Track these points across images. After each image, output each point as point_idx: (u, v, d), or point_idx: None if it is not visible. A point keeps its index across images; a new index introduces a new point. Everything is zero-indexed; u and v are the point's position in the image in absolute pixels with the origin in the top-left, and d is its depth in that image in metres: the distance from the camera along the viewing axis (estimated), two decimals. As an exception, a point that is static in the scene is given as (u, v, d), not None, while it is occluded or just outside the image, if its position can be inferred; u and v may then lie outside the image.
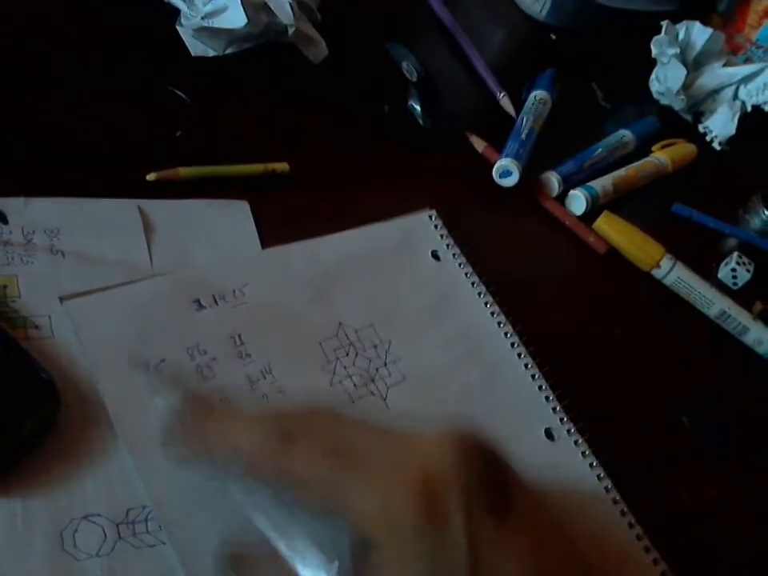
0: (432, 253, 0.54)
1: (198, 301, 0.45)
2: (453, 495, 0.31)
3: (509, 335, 0.51)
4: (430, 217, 0.56)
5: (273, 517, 0.34)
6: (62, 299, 0.42)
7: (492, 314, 0.52)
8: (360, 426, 0.35)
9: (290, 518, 0.34)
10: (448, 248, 0.55)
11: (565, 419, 0.49)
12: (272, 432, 0.33)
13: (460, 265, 0.54)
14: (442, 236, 0.55)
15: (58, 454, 0.38)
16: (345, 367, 0.46)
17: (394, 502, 0.31)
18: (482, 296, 0.53)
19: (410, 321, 0.50)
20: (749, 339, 0.61)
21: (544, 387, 0.50)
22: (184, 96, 0.57)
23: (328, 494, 0.32)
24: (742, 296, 0.63)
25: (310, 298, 0.48)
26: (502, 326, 0.52)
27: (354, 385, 0.46)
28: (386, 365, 0.47)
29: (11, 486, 0.36)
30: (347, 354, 0.47)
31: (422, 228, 0.56)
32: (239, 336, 0.45)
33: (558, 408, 0.49)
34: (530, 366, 0.50)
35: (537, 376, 0.50)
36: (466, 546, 0.30)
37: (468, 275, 0.54)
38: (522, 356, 0.51)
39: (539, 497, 0.35)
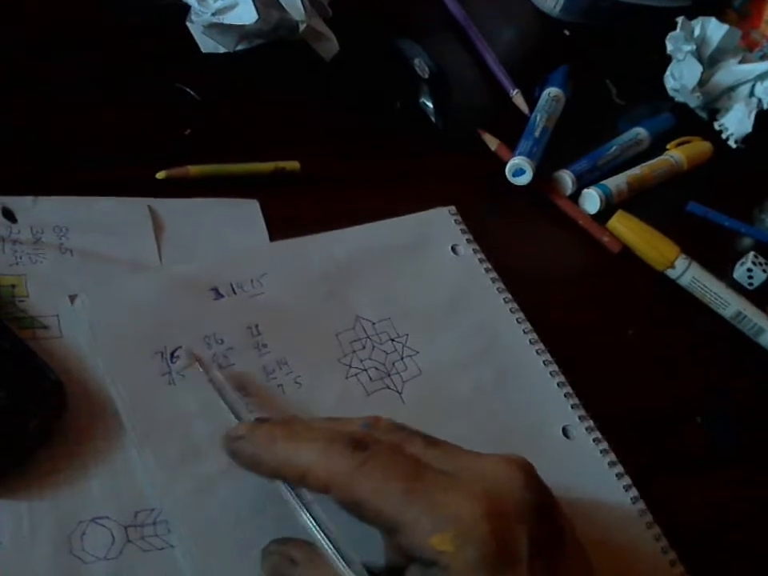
0: (452, 247, 0.54)
1: (216, 289, 0.45)
2: (520, 534, 0.32)
3: (527, 331, 0.51)
4: (450, 211, 0.56)
5: (323, 520, 0.34)
6: (71, 298, 0.42)
7: (511, 310, 0.52)
8: (425, 439, 0.35)
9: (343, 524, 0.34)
10: (468, 243, 0.54)
11: (584, 417, 0.48)
12: (342, 445, 0.33)
13: (479, 260, 0.54)
14: (461, 230, 0.55)
15: (64, 454, 0.37)
16: (361, 360, 0.46)
17: (465, 521, 0.31)
18: (501, 291, 0.53)
19: (427, 315, 0.50)
20: (764, 340, 0.60)
21: (563, 384, 0.49)
22: (194, 93, 0.56)
23: (395, 510, 0.32)
24: (757, 296, 0.62)
25: (327, 290, 0.48)
26: (520, 322, 0.51)
27: (370, 378, 0.46)
28: (402, 359, 0.47)
29: (18, 487, 0.36)
30: (364, 347, 0.47)
31: (442, 222, 0.55)
32: (256, 326, 0.45)
33: (576, 405, 0.48)
34: (548, 362, 0.50)
35: (555, 372, 0.49)
36: None
37: (487, 270, 0.53)
38: (541, 352, 0.50)
39: (575, 528, 0.36)
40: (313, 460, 0.33)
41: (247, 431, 0.36)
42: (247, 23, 0.57)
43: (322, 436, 0.34)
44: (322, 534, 0.34)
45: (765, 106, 0.78)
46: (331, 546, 0.34)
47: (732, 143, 0.79)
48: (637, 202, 0.67)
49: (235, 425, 0.38)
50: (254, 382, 0.43)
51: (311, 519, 0.34)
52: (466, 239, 0.55)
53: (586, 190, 0.64)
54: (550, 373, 0.49)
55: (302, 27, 0.59)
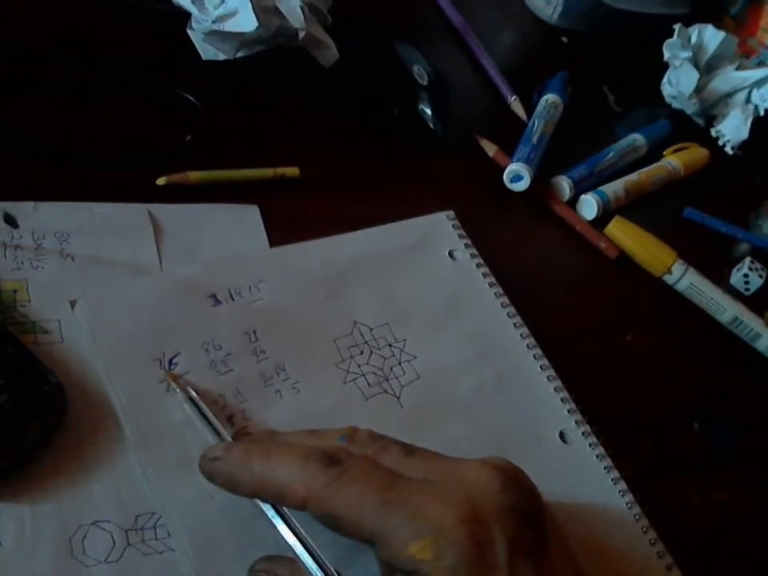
0: (449, 252, 0.54)
1: (215, 296, 0.45)
2: (499, 538, 0.32)
3: (525, 336, 0.51)
4: (448, 216, 0.56)
5: (303, 536, 0.34)
6: (72, 303, 0.42)
7: (508, 314, 0.52)
8: (402, 449, 0.35)
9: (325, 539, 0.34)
10: (466, 248, 0.55)
11: (580, 422, 0.48)
12: (317, 461, 0.33)
13: (477, 265, 0.54)
14: (459, 236, 0.55)
15: (65, 458, 0.38)
16: (359, 365, 0.46)
17: (443, 528, 0.31)
18: (498, 296, 0.53)
19: (425, 320, 0.50)
20: (761, 345, 0.60)
21: (559, 389, 0.49)
22: (194, 100, 0.57)
23: (372, 522, 0.32)
24: (754, 302, 0.62)
25: (325, 295, 0.48)
26: (518, 326, 0.52)
27: (368, 383, 0.46)
28: (400, 363, 0.47)
29: (20, 490, 0.36)
30: (362, 353, 0.47)
31: (440, 227, 0.55)
32: (254, 332, 0.45)
33: (573, 410, 0.49)
34: (545, 367, 0.50)
35: (552, 377, 0.50)
36: None
37: (485, 275, 0.54)
38: (538, 357, 0.50)
39: (564, 531, 0.36)
40: (290, 478, 0.33)
41: (223, 452, 0.36)
42: (247, 31, 0.57)
43: (297, 453, 0.34)
44: (300, 545, 0.34)
45: (761, 113, 0.78)
46: (310, 560, 0.34)
47: (729, 150, 0.79)
48: (634, 208, 0.67)
49: (211, 445, 0.38)
50: (251, 388, 0.43)
51: (290, 535, 0.35)
52: (464, 244, 0.55)
53: (583, 196, 0.65)
54: (547, 377, 0.50)
55: (301, 35, 0.59)
